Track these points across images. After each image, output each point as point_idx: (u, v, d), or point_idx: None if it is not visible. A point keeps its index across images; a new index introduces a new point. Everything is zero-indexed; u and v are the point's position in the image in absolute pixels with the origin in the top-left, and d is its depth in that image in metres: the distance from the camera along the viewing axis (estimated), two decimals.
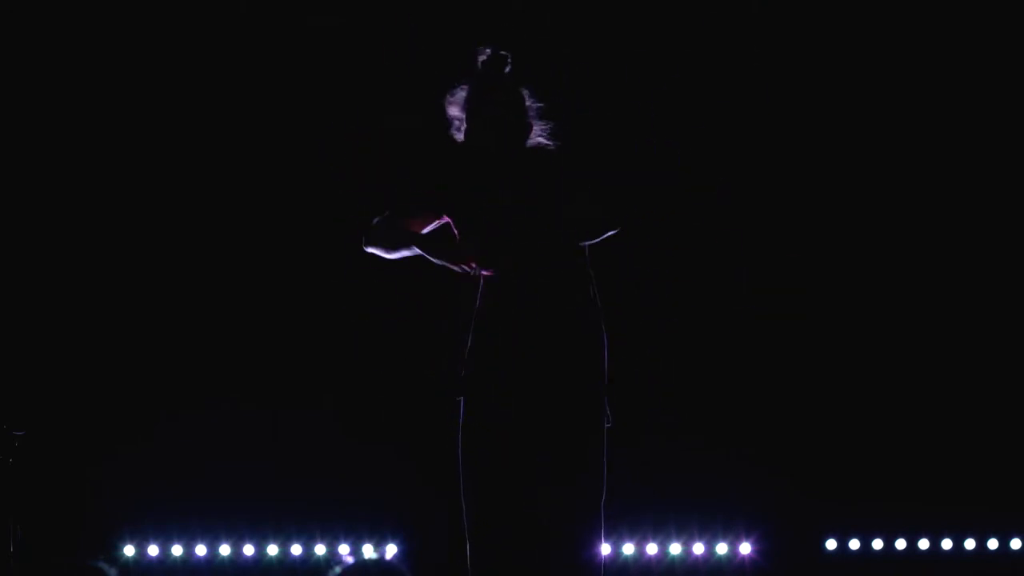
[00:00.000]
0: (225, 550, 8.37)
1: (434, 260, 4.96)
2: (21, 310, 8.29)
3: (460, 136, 5.03)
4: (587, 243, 4.98)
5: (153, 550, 8.33)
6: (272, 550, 8.40)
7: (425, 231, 5.07)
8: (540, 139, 5.06)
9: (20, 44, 8.32)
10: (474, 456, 4.90)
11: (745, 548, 8.58)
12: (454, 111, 5.04)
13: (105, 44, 8.33)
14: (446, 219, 5.05)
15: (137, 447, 8.21)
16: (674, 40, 8.51)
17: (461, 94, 5.02)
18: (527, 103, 5.02)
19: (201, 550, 8.35)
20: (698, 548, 8.56)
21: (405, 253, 5.08)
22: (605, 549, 8.47)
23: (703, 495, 8.52)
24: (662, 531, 8.57)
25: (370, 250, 5.16)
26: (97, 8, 8.33)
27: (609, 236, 4.97)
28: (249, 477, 8.30)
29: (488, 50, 5.02)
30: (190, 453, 8.24)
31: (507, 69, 5.02)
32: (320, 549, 8.42)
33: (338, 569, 8.10)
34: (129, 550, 8.31)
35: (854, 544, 8.71)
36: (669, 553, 8.55)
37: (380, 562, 8.27)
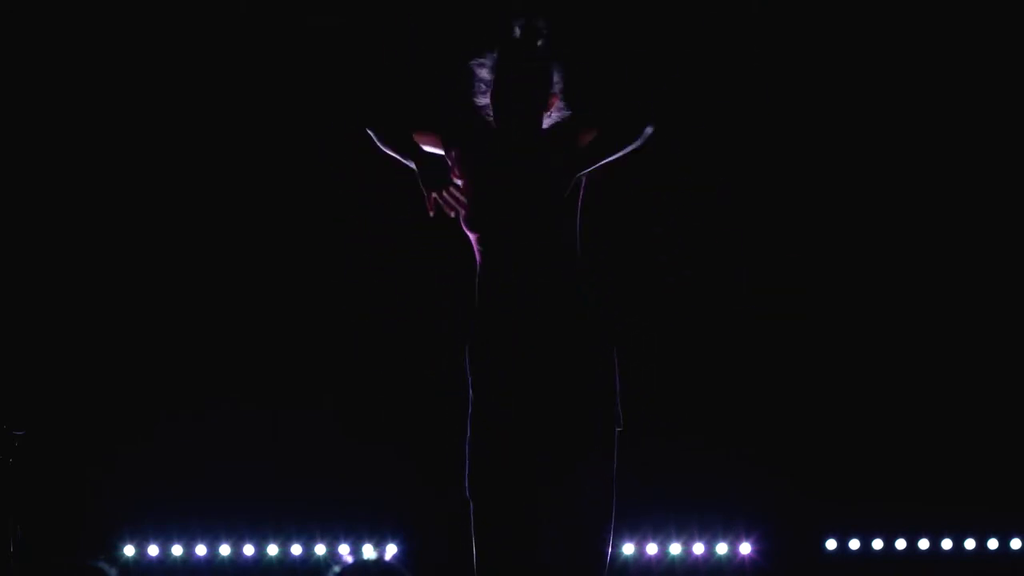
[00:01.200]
0: (225, 550, 8.37)
1: (421, 184, 4.94)
2: (21, 310, 8.29)
3: (485, 100, 5.06)
4: (629, 148, 4.99)
5: (153, 550, 8.33)
6: (272, 550, 8.40)
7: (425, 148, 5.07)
8: (556, 115, 5.09)
9: (20, 44, 8.32)
10: (481, 452, 4.90)
11: (745, 548, 8.58)
12: (483, 74, 5.07)
13: (105, 43, 8.33)
14: (448, 152, 5.06)
15: (137, 447, 8.20)
16: (674, 40, 8.51)
17: (491, 59, 5.06)
18: (554, 77, 5.06)
19: (201, 550, 8.35)
20: (698, 548, 8.56)
21: (397, 157, 5.06)
22: None
23: (703, 495, 8.51)
24: (662, 531, 8.56)
25: (370, 132, 5.11)
26: (97, 8, 8.33)
27: (647, 137, 4.97)
28: (249, 477, 8.29)
29: (523, 19, 5.05)
30: (190, 453, 8.24)
31: (540, 42, 5.06)
32: (320, 549, 8.42)
33: (338, 569, 8.10)
34: (129, 550, 8.31)
35: (854, 544, 8.71)
36: (669, 553, 8.54)
37: (380, 562, 8.26)
